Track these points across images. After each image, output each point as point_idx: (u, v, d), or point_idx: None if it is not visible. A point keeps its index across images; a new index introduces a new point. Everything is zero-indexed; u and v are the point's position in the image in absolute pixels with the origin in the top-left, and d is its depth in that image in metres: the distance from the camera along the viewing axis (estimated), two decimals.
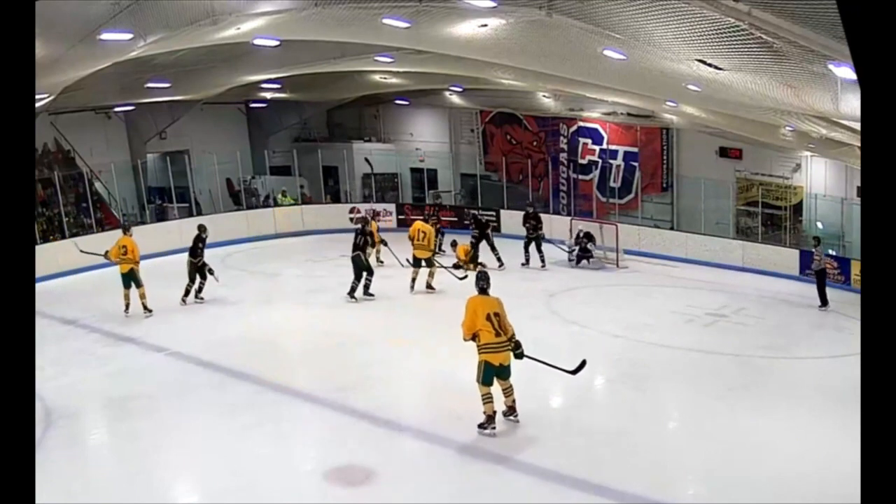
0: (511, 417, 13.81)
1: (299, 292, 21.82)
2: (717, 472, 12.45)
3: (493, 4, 13.20)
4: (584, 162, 36.98)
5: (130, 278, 21.89)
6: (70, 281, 27.95)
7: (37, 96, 23.32)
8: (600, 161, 36.32)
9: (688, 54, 13.55)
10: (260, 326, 20.87)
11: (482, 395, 13.38)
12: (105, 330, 21.23)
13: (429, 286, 24.74)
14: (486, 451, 12.99)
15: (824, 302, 23.35)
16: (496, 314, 13.20)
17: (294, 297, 21.81)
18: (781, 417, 13.32)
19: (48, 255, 28.71)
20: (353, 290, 23.47)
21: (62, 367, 18.09)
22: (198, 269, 23.63)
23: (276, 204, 38.16)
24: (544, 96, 34.06)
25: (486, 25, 15.22)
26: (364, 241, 24.02)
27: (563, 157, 37.75)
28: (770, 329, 20.82)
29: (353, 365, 17.85)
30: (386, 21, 15.52)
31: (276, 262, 26.02)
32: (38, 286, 25.89)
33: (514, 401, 13.75)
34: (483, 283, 13.55)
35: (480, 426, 13.36)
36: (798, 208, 30.23)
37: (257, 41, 19.92)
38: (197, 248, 23.68)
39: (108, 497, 12.04)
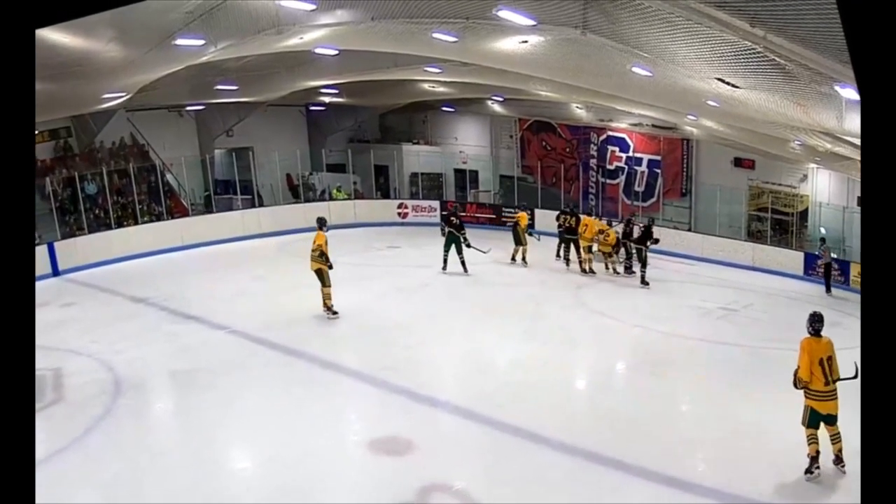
0: (839, 466, 11.45)
1: (350, 279, 21.90)
2: (727, 450, 12.46)
3: (533, 23, 13.19)
4: (611, 168, 37.04)
5: (317, 276, 20.33)
6: (141, 263, 28.30)
7: (115, 95, 23.52)
8: (626, 167, 36.43)
9: (708, 73, 13.50)
10: (313, 309, 20.88)
11: (806, 436, 11.50)
12: (172, 308, 21.46)
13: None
14: (518, 429, 13.05)
15: (829, 290, 25.77)
16: (829, 359, 11.40)
17: (344, 283, 21.83)
18: (787, 402, 13.20)
19: (122, 240, 29.04)
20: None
21: (132, 342, 18.28)
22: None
23: (331, 198, 38.27)
24: (577, 107, 33.93)
25: (526, 42, 15.20)
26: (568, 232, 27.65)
27: (592, 162, 37.80)
28: (777, 323, 20.72)
29: (396, 346, 17.95)
30: (435, 35, 15.52)
31: (329, 251, 26.07)
32: (112, 267, 26.58)
33: (840, 449, 11.43)
34: (818, 325, 11.65)
35: (807, 471, 11.35)
36: (804, 215, 30.17)
37: (318, 50, 20.01)
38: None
39: (171, 463, 12.21)
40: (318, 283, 20.00)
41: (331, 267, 20.08)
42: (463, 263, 25.96)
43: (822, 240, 27.07)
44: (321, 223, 20.53)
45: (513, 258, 28.06)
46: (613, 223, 28.97)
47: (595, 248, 27.03)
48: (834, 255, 27.14)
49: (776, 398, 14.16)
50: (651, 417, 13.93)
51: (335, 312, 20.37)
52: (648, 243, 25.46)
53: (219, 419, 13.74)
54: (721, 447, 12.69)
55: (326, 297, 20.33)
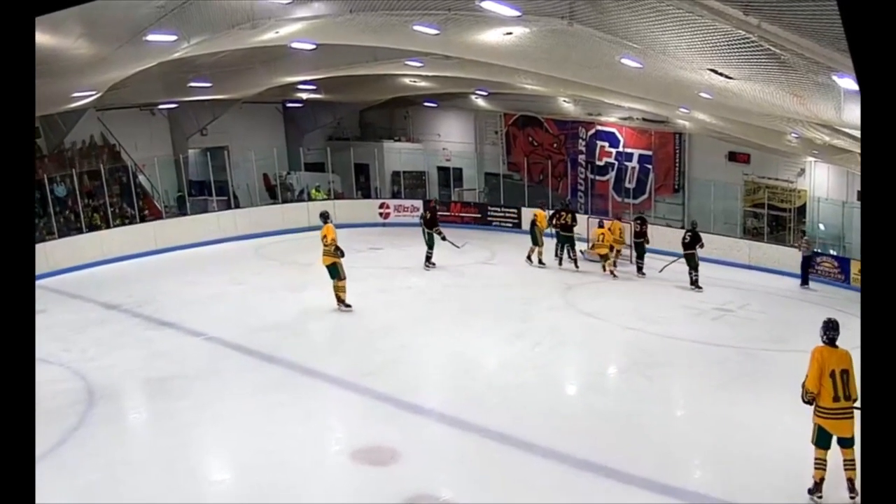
0: (851, 494, 10.49)
1: (330, 281, 21.82)
2: (719, 454, 12.48)
3: (518, 14, 13.18)
4: (601, 164, 37.10)
5: (329, 271, 20.85)
6: (114, 268, 28.21)
7: (85, 93, 23.46)
8: (616, 163, 36.48)
9: (700, 64, 13.51)
10: (292, 314, 20.91)
11: (814, 459, 10.72)
12: (146, 314, 21.39)
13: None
14: (506, 435, 13.00)
15: (805, 282, 26.59)
16: (844, 371, 10.44)
17: (325, 287, 21.78)
18: (781, 405, 13.21)
19: (94, 244, 28.97)
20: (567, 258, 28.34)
21: (105, 349, 18.23)
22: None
23: (309, 198, 38.21)
24: (565, 101, 33.99)
25: (510, 33, 15.19)
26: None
27: (581, 158, 37.85)
28: (773, 323, 20.80)
29: (379, 350, 17.90)
30: (416, 28, 15.50)
31: (308, 253, 25.96)
32: (84, 273, 26.58)
33: (852, 477, 10.48)
34: (833, 333, 10.71)
35: (809, 491, 10.81)
36: (802, 210, 30.25)
37: (295, 44, 19.97)
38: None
39: (146, 470, 12.16)
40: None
41: (342, 255, 20.46)
42: (429, 258, 26.91)
43: (803, 232, 27.95)
44: (326, 216, 20.87)
45: (528, 258, 28.23)
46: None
47: (589, 247, 27.22)
48: (833, 252, 27.48)
49: (772, 401, 14.22)
50: (643, 421, 13.93)
51: (349, 305, 20.78)
52: (697, 247, 25.48)
53: (194, 427, 13.70)
54: (715, 451, 12.71)
55: (341, 291, 20.73)
